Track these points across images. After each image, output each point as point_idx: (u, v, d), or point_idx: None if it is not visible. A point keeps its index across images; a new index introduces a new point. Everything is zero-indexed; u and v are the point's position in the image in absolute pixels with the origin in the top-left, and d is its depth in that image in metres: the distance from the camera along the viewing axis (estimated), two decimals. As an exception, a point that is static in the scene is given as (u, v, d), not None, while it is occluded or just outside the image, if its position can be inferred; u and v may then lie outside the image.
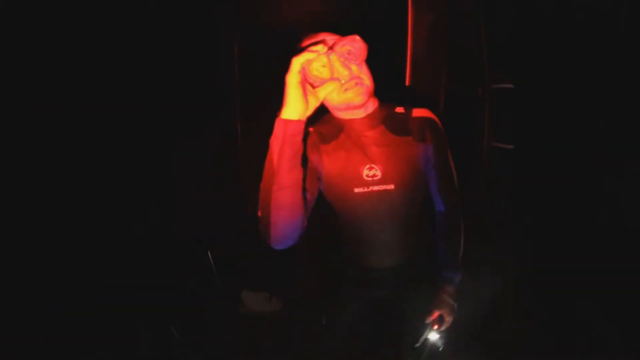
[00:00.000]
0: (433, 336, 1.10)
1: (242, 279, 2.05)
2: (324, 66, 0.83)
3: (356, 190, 0.97)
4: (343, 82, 0.84)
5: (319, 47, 0.74)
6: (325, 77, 0.83)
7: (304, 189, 0.85)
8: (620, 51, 1.99)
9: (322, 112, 0.99)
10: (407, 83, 2.20)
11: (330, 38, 0.85)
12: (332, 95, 0.89)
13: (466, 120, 2.56)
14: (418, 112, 1.01)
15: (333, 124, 1.00)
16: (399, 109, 1.01)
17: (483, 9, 2.44)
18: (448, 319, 1.10)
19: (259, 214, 0.84)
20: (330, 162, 0.97)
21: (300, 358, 1.62)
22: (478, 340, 1.80)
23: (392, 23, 2.04)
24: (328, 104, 0.96)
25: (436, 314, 1.09)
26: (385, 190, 0.96)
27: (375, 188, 0.96)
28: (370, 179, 0.96)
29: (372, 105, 0.98)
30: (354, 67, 0.85)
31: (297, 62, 0.69)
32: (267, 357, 1.82)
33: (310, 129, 1.01)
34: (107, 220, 1.89)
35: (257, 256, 2.11)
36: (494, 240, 2.51)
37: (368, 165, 0.96)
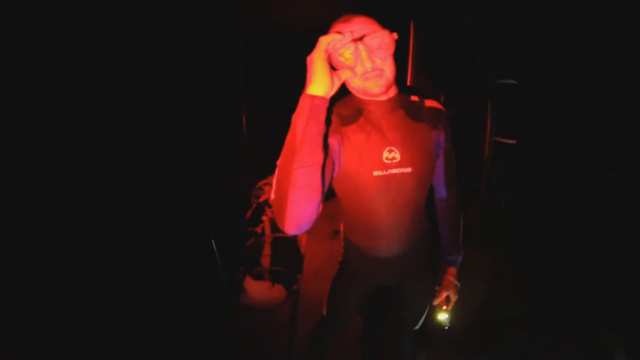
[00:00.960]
0: (442, 316, 1.21)
1: (245, 268, 2.04)
2: (350, 54, 0.83)
3: (375, 173, 0.97)
4: (365, 72, 0.85)
5: (348, 35, 0.75)
6: (350, 64, 0.84)
7: (323, 172, 0.83)
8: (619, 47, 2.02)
9: (342, 94, 0.97)
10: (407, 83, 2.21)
11: (363, 27, 0.85)
12: (352, 80, 0.90)
13: (467, 116, 2.58)
14: (430, 102, 1.04)
15: (353, 105, 1.00)
16: (414, 97, 1.03)
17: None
18: (454, 298, 1.20)
19: (273, 196, 0.82)
20: (351, 145, 0.97)
21: (303, 347, 1.63)
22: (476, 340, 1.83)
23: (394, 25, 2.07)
24: (350, 88, 0.96)
25: (444, 294, 1.19)
26: (403, 174, 0.98)
27: (394, 171, 0.97)
28: (389, 161, 0.97)
29: (393, 91, 0.98)
30: (378, 61, 0.86)
31: (324, 41, 0.71)
32: (270, 346, 1.83)
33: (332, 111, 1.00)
34: (109, 214, 1.88)
35: (260, 244, 2.13)
36: (494, 236, 2.54)
37: (388, 148, 0.97)
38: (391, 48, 0.86)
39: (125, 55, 1.86)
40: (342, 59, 0.84)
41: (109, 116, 1.82)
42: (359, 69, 0.85)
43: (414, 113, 1.01)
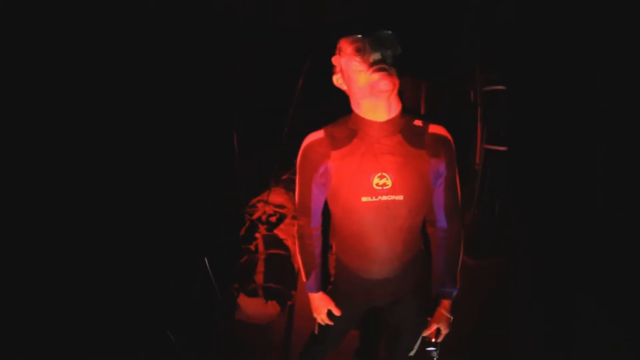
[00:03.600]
0: (429, 347, 1.16)
1: (239, 285, 2.07)
2: (358, 49, 0.88)
3: (364, 199, 0.95)
4: (373, 62, 0.88)
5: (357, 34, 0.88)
6: (361, 54, 0.89)
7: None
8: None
9: (340, 112, 1.02)
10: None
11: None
12: (359, 77, 0.90)
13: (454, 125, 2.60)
14: (434, 129, 1.00)
15: (348, 126, 0.99)
16: (418, 122, 1.00)
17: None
18: (444, 332, 1.14)
19: None
20: (340, 169, 0.97)
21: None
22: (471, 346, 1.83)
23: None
24: (354, 88, 0.94)
25: (434, 327, 1.13)
26: (394, 201, 0.96)
27: (384, 198, 0.95)
28: (380, 188, 0.95)
29: (395, 108, 0.96)
30: (387, 57, 0.89)
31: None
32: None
33: (323, 133, 1.01)
34: (101, 229, 1.89)
35: (253, 261, 2.16)
36: (488, 244, 2.54)
37: (379, 174, 0.95)
38: (397, 50, 0.90)
39: (118, 69, 1.90)
40: (350, 51, 0.89)
41: (98, 129, 1.85)
42: (366, 59, 0.88)
43: (413, 138, 0.97)
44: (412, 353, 1.25)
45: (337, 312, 1.19)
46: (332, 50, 0.98)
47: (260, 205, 2.25)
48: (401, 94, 0.97)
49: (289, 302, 2.10)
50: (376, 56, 0.88)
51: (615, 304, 1.92)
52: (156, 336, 1.81)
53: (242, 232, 2.23)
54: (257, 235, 2.18)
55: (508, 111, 2.52)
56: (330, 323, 1.21)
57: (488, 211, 2.56)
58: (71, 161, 1.80)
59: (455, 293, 1.14)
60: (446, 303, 1.14)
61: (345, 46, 0.91)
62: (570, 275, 2.17)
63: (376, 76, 0.87)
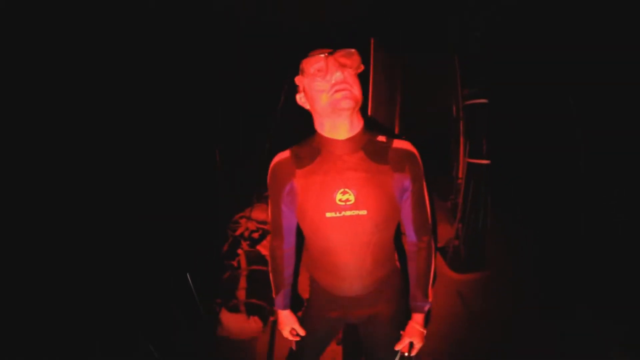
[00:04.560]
0: None
1: (221, 300, 2.09)
2: (319, 70, 0.91)
3: (328, 214, 0.97)
4: (335, 83, 0.91)
5: (319, 52, 0.89)
6: (321, 75, 0.92)
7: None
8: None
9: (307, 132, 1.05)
10: (369, 113, 2.27)
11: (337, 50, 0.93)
12: (321, 97, 0.93)
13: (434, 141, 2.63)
14: (399, 144, 1.01)
15: (312, 146, 1.02)
16: (381, 138, 1.01)
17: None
18: (417, 346, 1.13)
19: None
20: (304, 187, 0.99)
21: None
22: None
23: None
24: (316, 107, 0.96)
25: (406, 340, 1.13)
26: (358, 217, 0.97)
27: (348, 213, 0.97)
28: (343, 203, 0.96)
29: (357, 125, 0.99)
30: (347, 75, 0.92)
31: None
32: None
33: (289, 152, 1.04)
34: (84, 243, 1.91)
35: (236, 277, 2.18)
36: (474, 258, 2.55)
37: (342, 190, 0.96)
38: (358, 66, 0.93)
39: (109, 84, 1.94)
40: (313, 71, 0.92)
41: (98, 129, 1.88)
42: (328, 80, 0.91)
43: (376, 154, 0.98)
44: None
45: (301, 331, 1.20)
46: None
47: (242, 221, 2.28)
48: (364, 112, 1.01)
49: (272, 318, 2.11)
50: (338, 76, 0.91)
51: (607, 315, 1.92)
52: (139, 354, 1.81)
53: (225, 248, 2.26)
54: (240, 251, 2.20)
55: (490, 125, 2.55)
56: (295, 339, 1.23)
57: (472, 225, 2.57)
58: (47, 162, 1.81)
59: (427, 307, 1.13)
60: (418, 317, 1.13)
61: (307, 67, 0.93)
62: (561, 286, 2.17)
63: (338, 95, 0.90)
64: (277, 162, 1.05)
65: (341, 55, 0.92)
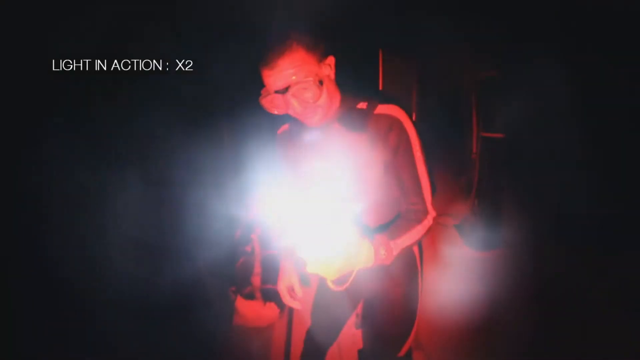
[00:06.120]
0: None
1: (236, 288, 2.02)
2: (281, 102, 0.89)
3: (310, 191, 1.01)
4: (296, 114, 0.91)
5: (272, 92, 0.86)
6: (283, 108, 0.91)
7: None
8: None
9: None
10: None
11: (287, 74, 0.84)
12: (287, 109, 0.92)
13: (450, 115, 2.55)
14: (382, 109, 0.94)
15: (297, 121, 1.00)
16: (362, 105, 0.95)
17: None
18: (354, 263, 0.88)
19: None
20: (290, 162, 1.05)
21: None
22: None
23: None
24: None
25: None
26: (339, 185, 0.98)
27: (330, 183, 0.99)
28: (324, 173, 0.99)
29: (333, 107, 0.95)
30: (308, 101, 0.87)
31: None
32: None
33: (287, 126, 1.08)
34: (99, 228, 1.86)
35: (250, 263, 2.11)
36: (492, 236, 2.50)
37: (321, 160, 0.99)
38: (319, 94, 0.87)
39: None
40: (270, 106, 0.91)
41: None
42: (291, 112, 0.91)
43: (354, 123, 0.94)
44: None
45: (299, 292, 1.09)
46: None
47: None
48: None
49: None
50: (296, 107, 0.88)
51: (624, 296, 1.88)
52: (154, 344, 1.76)
53: (238, 234, 2.19)
54: (253, 236, 2.13)
55: (503, 99, 2.47)
56: (293, 305, 1.11)
57: (487, 200, 2.52)
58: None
59: (383, 250, 0.90)
60: (381, 238, 0.91)
61: (266, 104, 0.92)
62: (578, 265, 2.13)
63: (304, 119, 0.92)
64: (279, 134, 1.12)
65: (297, 87, 0.85)
